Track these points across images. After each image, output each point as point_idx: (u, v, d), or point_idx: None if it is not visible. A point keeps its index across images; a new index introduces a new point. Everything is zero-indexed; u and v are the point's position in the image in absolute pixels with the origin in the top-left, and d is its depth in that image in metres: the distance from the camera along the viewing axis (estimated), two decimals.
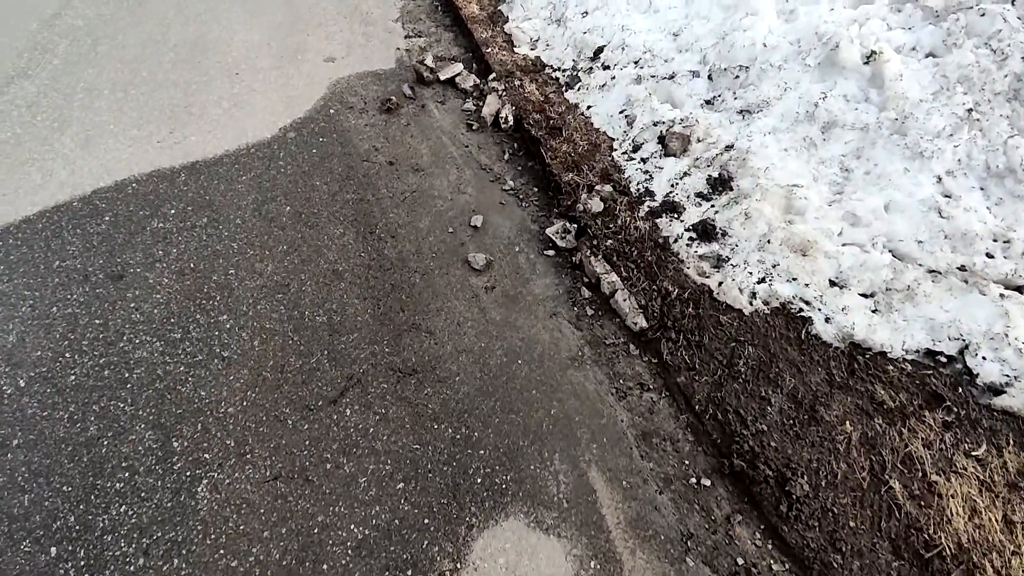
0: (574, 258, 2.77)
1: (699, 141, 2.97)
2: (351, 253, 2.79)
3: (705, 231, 2.62)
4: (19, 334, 2.40)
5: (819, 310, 2.35)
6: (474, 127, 3.63)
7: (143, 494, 1.96)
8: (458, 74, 3.97)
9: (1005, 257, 2.32)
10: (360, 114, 3.67)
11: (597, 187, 2.94)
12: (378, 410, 2.17)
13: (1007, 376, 2.07)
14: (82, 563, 1.80)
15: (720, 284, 2.45)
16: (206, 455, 2.05)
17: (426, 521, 1.89)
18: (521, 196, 3.17)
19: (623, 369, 2.32)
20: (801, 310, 2.36)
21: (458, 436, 2.09)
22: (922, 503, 1.91)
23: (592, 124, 3.43)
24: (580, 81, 3.72)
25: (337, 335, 2.42)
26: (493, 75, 3.90)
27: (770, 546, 1.88)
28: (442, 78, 3.95)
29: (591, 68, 3.72)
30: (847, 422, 2.10)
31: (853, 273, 2.40)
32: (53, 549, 1.83)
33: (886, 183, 2.56)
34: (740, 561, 1.84)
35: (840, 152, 2.70)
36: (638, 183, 2.97)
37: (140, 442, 2.10)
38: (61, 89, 3.76)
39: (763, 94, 2.94)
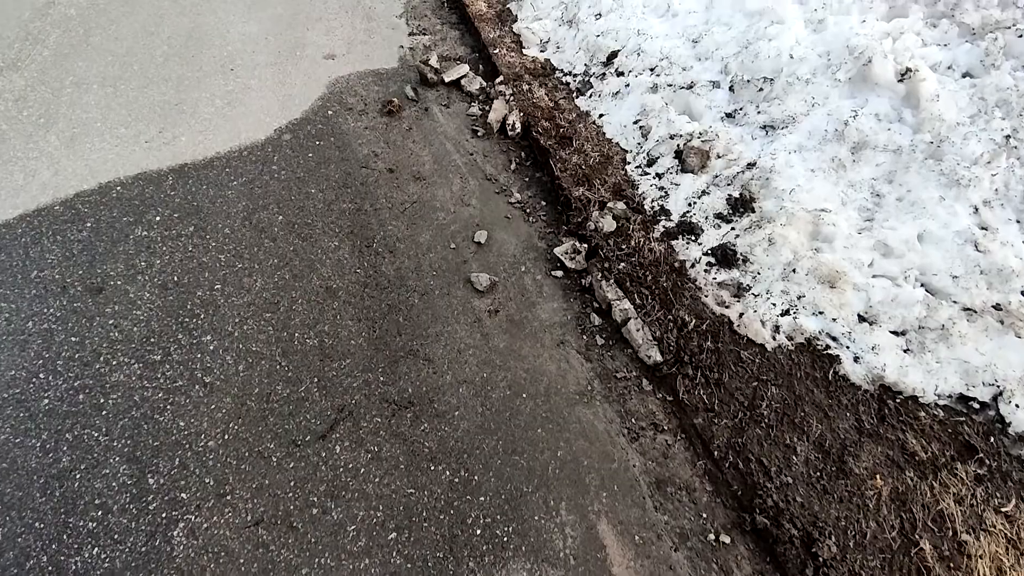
0: (584, 280, 2.60)
1: (719, 157, 2.80)
2: (346, 269, 2.62)
3: (725, 256, 2.45)
4: None
5: (847, 348, 2.18)
6: (479, 133, 3.45)
7: (116, 536, 1.81)
8: (464, 76, 3.78)
9: None
10: (360, 116, 3.49)
11: (609, 204, 2.76)
12: (370, 447, 2.00)
13: None
14: None
15: (741, 315, 2.28)
16: (183, 494, 1.89)
17: None
18: (528, 210, 3.00)
19: (635, 407, 2.16)
20: (828, 347, 2.20)
21: (456, 480, 1.93)
22: (951, 565, 1.77)
23: (604, 134, 3.25)
24: (592, 87, 3.53)
25: (328, 360, 2.26)
26: (500, 78, 3.71)
27: None
28: (447, 80, 3.76)
29: (604, 74, 3.54)
30: (877, 475, 1.94)
31: (884, 308, 2.23)
32: None
33: (920, 211, 2.39)
34: None
35: (871, 175, 2.52)
36: (653, 200, 2.79)
37: (114, 477, 1.94)
38: (50, 82, 3.57)
39: (789, 109, 2.76)
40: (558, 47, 3.93)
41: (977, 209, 2.37)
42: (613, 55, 3.56)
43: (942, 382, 2.12)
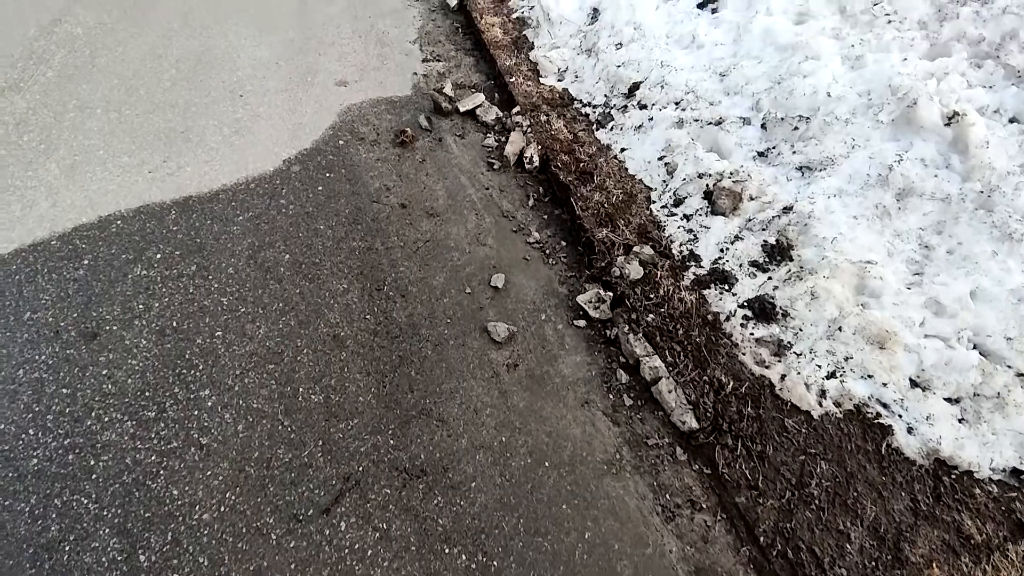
0: (609, 332, 2.44)
1: (752, 199, 2.64)
2: (355, 315, 2.46)
3: (763, 310, 2.28)
4: None
5: (900, 416, 2.00)
6: (495, 166, 3.31)
7: None
8: (479, 105, 3.65)
9: None
10: (372, 147, 3.36)
11: (635, 248, 2.60)
12: (379, 524, 1.83)
13: None
14: None
15: (783, 377, 2.11)
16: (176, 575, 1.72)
17: None
18: (548, 251, 2.84)
19: (669, 480, 1.98)
20: (879, 415, 2.01)
21: (473, 565, 1.75)
22: None
23: (627, 170, 3.11)
24: (613, 119, 3.40)
25: (335, 420, 2.09)
26: (517, 108, 3.59)
27: None
28: (462, 109, 3.63)
29: (625, 106, 3.40)
30: (934, 563, 1.76)
31: (937, 373, 2.06)
32: None
33: (972, 266, 2.22)
34: None
35: (918, 225, 2.36)
36: (681, 244, 2.63)
37: (104, 551, 1.77)
38: (52, 105, 3.46)
39: (827, 150, 2.61)
40: (576, 76, 3.81)
41: None
42: (635, 87, 3.43)
43: (998, 455, 1.94)
